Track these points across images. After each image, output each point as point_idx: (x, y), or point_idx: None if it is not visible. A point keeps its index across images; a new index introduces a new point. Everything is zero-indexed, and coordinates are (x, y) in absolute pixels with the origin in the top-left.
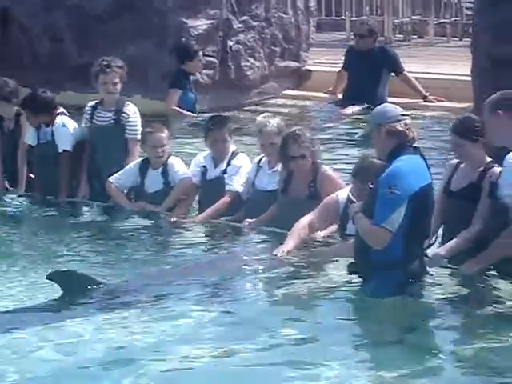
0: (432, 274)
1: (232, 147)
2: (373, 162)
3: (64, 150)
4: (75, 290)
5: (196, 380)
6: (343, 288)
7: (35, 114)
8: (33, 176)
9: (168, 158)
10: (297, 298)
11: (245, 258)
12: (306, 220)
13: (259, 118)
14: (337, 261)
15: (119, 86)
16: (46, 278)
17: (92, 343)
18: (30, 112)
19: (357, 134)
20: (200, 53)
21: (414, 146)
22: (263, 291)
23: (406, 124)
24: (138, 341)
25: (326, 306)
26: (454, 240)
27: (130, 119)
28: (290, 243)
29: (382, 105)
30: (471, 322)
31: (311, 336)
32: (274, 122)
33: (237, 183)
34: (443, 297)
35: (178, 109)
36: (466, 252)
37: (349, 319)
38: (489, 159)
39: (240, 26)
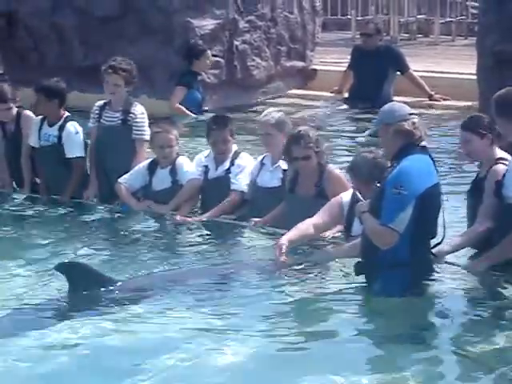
0: (438, 273)
1: (234, 147)
2: (365, 157)
3: (77, 157)
4: (82, 283)
5: (205, 380)
6: (349, 288)
7: (48, 98)
8: (38, 180)
9: (177, 157)
10: (303, 299)
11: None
12: (310, 221)
13: (264, 112)
14: (343, 261)
15: (121, 89)
16: (54, 269)
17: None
18: (44, 95)
19: (363, 133)
20: (208, 52)
21: (422, 145)
22: (269, 292)
23: (413, 123)
24: (144, 339)
25: (332, 307)
26: (458, 237)
27: (137, 119)
28: (291, 234)
29: (389, 103)
30: (477, 321)
31: (317, 336)
32: (275, 114)
33: (242, 182)
34: (450, 296)
35: (180, 107)
36: (472, 251)
37: (355, 319)
38: (500, 155)
39: (246, 25)
